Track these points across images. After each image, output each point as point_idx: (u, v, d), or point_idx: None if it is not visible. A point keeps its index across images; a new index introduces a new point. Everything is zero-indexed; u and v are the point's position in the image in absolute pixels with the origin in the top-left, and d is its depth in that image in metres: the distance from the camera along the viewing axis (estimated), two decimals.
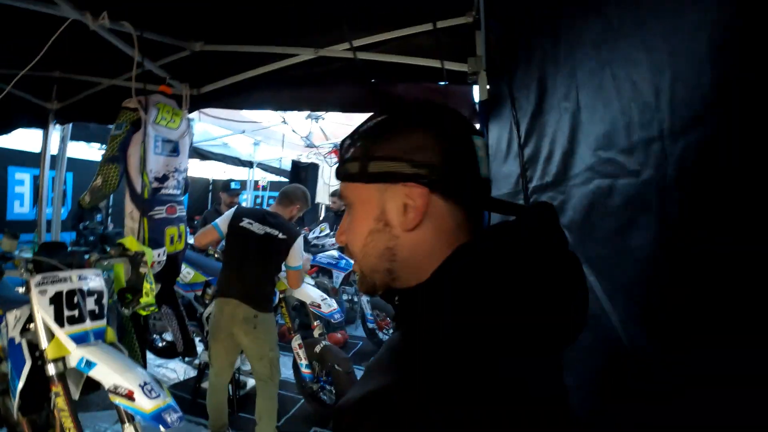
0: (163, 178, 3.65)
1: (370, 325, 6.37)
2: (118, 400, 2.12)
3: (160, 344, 5.05)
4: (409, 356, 0.75)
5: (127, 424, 2.30)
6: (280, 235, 3.68)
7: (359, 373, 3.99)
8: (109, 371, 2.16)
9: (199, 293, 4.81)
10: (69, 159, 5.99)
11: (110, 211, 8.62)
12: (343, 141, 0.93)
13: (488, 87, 2.79)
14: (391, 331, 6.25)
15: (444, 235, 0.83)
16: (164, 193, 3.67)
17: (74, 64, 4.01)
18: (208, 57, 3.64)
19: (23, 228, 8.40)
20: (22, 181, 8.83)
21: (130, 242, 2.87)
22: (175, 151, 3.77)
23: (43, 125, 5.28)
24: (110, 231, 8.32)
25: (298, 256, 3.80)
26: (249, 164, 10.43)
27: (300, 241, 3.81)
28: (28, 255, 2.60)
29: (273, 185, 12.07)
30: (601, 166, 1.40)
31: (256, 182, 12.20)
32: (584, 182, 1.51)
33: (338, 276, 6.41)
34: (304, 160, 9.77)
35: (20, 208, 8.82)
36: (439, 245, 0.82)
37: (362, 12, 3.02)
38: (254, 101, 3.99)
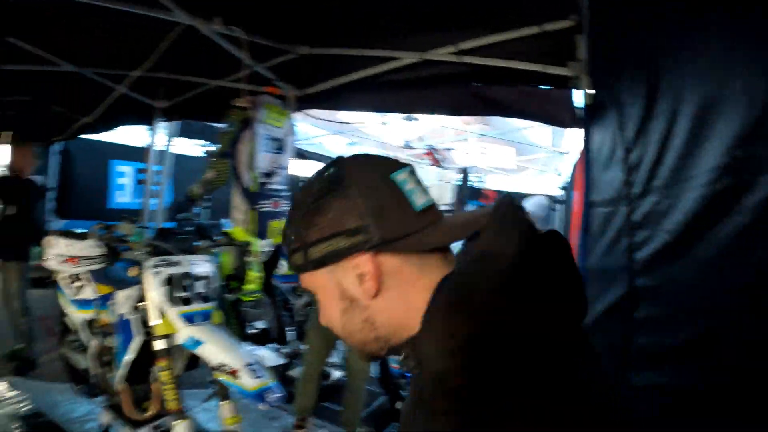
0: (270, 174, 3.88)
1: None
2: (222, 378, 2.28)
3: (250, 331, 5.28)
4: (452, 397, 0.68)
5: (224, 402, 2.49)
6: None
7: None
8: (216, 350, 2.32)
9: (294, 285, 4.97)
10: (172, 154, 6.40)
11: (207, 204, 9.08)
12: (283, 233, 0.92)
13: (590, 92, 2.72)
14: None
15: (412, 284, 0.81)
16: (270, 188, 3.91)
17: (180, 65, 4.25)
18: (313, 59, 3.78)
19: (123, 216, 9.10)
20: (123, 173, 9.56)
21: (238, 233, 3.07)
22: (280, 149, 3.98)
23: (150, 122, 5.67)
24: (206, 223, 8.82)
25: None
26: None
27: None
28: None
29: None
30: (735, 164, 1.40)
31: None
32: (707, 183, 1.50)
33: None
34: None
35: (122, 197, 9.54)
36: (413, 296, 0.80)
37: (466, 15, 3.04)
38: (357, 103, 4.10)
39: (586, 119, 2.75)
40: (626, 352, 1.96)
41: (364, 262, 0.80)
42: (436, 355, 0.72)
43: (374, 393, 4.34)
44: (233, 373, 2.25)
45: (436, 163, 8.74)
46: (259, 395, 2.23)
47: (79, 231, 2.97)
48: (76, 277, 3.31)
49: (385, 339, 0.85)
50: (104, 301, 3.06)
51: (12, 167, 5.02)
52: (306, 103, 4.11)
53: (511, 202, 0.79)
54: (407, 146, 7.76)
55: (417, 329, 0.78)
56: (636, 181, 2.04)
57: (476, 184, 11.74)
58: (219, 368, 2.28)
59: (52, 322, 5.48)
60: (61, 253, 2.85)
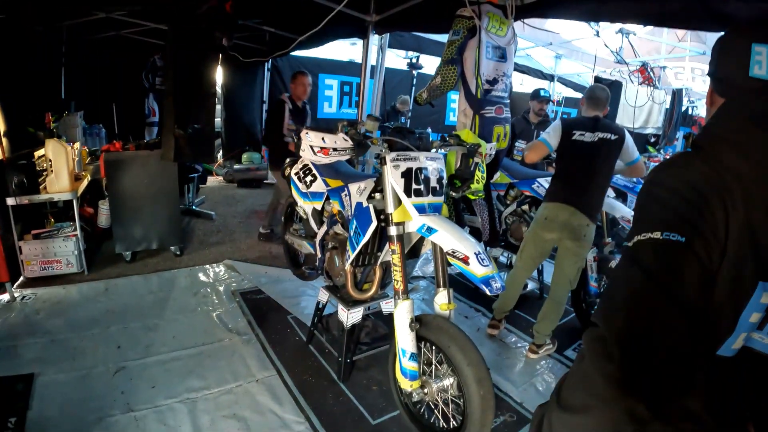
0: (493, 81, 3.95)
1: None
2: (454, 262, 2.45)
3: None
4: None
5: (442, 288, 2.67)
6: (613, 137, 3.68)
7: None
8: (450, 237, 2.49)
9: (502, 193, 5.08)
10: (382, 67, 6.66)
11: (409, 115, 9.39)
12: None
13: None
14: None
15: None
16: (494, 95, 4.00)
17: None
18: None
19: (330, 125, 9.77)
20: (330, 86, 10.20)
21: (466, 134, 3.19)
22: (503, 57, 4.02)
23: (361, 35, 5.89)
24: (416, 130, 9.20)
25: (633, 149, 3.79)
26: (550, 78, 10.28)
27: (629, 136, 3.78)
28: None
29: (567, 101, 11.83)
30: None
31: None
32: None
33: (633, 201, 6.17)
34: (606, 77, 9.34)
35: (329, 108, 10.26)
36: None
37: None
38: (578, 12, 3.94)
39: None
40: None
41: (710, 87, 1.25)
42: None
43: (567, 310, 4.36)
44: (464, 260, 2.41)
45: (649, 81, 8.14)
46: (486, 281, 2.38)
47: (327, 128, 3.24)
48: (306, 172, 3.67)
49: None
50: (333, 193, 3.38)
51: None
52: (527, 12, 4.03)
53: None
54: (619, 61, 7.30)
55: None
56: None
57: (689, 110, 10.96)
58: (453, 254, 2.45)
59: (264, 215, 6.16)
60: (316, 144, 3.14)
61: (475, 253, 2.41)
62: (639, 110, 9.36)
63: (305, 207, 3.79)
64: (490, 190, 4.76)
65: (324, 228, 3.54)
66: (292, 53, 7.65)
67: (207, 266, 5.13)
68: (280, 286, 4.74)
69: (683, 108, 10.40)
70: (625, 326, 0.99)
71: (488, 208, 4.72)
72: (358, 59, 6.38)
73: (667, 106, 10.07)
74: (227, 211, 7.36)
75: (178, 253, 5.35)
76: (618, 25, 6.69)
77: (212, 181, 9.41)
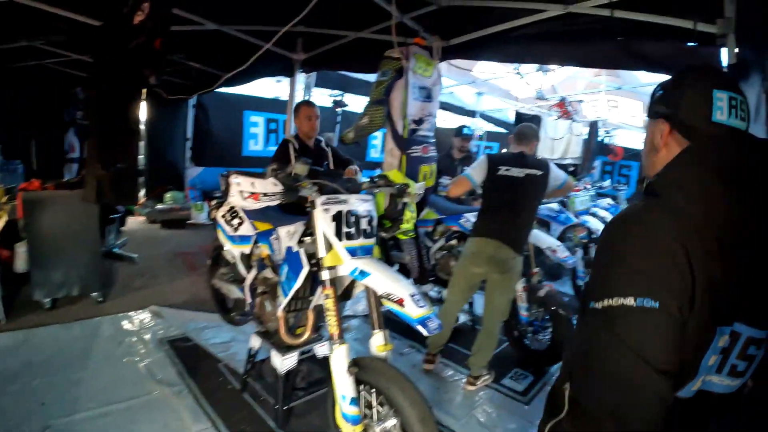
0: (420, 121, 4.05)
1: (580, 282, 6.35)
2: (389, 305, 2.44)
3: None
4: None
5: (377, 330, 2.64)
6: (539, 172, 3.79)
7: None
8: (384, 280, 2.48)
9: (430, 229, 5.13)
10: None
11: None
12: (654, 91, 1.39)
13: (736, 50, 2.73)
14: None
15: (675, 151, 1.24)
16: (420, 135, 4.08)
17: (321, 19, 4.34)
18: (456, 11, 3.84)
19: (256, 163, 9.62)
20: (256, 123, 10.16)
21: (395, 175, 3.20)
22: (429, 97, 4.12)
23: (290, 73, 5.91)
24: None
25: (557, 174, 3.91)
26: (472, 114, 10.57)
27: (552, 165, 3.90)
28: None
29: (490, 135, 12.17)
30: None
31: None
32: None
33: (556, 229, 6.37)
34: (527, 112, 9.69)
35: (255, 146, 10.21)
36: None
37: None
38: (499, 54, 4.19)
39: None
40: None
41: (665, 128, 1.28)
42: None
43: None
44: (399, 302, 2.40)
45: (567, 114, 8.53)
46: (423, 322, 2.37)
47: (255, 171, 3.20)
48: (233, 216, 3.59)
49: (652, 170, 1.29)
50: (262, 236, 3.32)
51: None
52: (449, 53, 4.16)
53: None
54: (540, 97, 7.63)
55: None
56: None
57: (605, 140, 11.40)
58: (387, 297, 2.44)
59: (191, 258, 5.97)
60: (245, 189, 3.08)
61: (410, 295, 2.41)
62: (558, 142, 9.81)
63: (233, 251, 3.71)
64: (416, 228, 4.77)
65: (253, 272, 3.46)
66: (218, 90, 7.57)
67: (132, 313, 4.91)
68: (210, 332, 4.59)
69: (599, 138, 10.86)
70: (615, 405, 1.05)
71: (416, 246, 4.76)
72: (284, 96, 6.39)
73: (585, 137, 10.49)
74: (151, 254, 7.09)
75: (100, 299, 5.10)
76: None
77: (134, 221, 9.08)
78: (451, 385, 4.06)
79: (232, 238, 3.64)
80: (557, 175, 3.90)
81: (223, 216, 3.73)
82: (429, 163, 4.20)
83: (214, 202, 3.92)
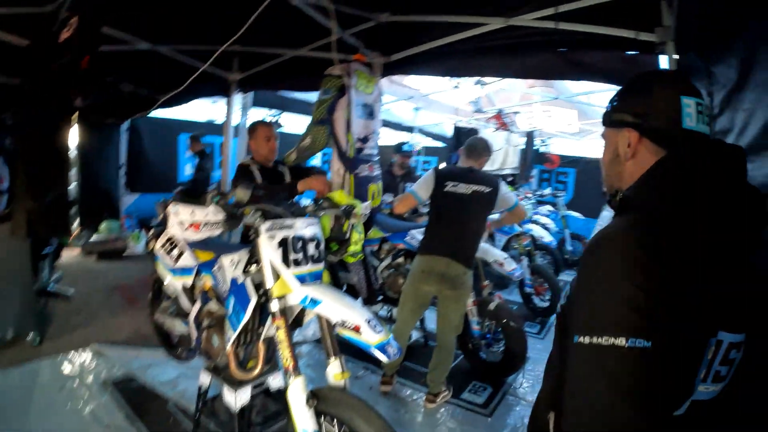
0: (365, 140, 3.98)
1: (528, 290, 6.47)
2: (345, 333, 2.34)
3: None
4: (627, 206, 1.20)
5: (333, 358, 2.53)
6: (486, 189, 3.77)
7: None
8: (337, 307, 2.38)
9: (375, 248, 5.08)
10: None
11: None
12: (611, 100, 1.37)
13: (675, 57, 2.78)
14: (547, 297, 6.43)
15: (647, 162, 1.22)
16: (366, 153, 3.99)
17: (257, 37, 4.27)
18: (397, 27, 3.81)
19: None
20: None
21: (340, 196, 3.11)
22: (372, 114, 4.04)
23: (226, 94, 5.75)
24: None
25: (508, 196, 3.90)
26: (410, 129, 10.62)
27: (503, 185, 3.89)
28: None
29: (428, 150, 12.28)
30: None
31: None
32: None
33: (501, 239, 6.48)
34: (465, 125, 9.79)
35: (191, 170, 9.81)
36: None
37: None
38: (440, 68, 4.20)
39: None
40: None
41: (633, 136, 1.25)
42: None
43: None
44: (355, 329, 2.31)
45: (504, 126, 8.69)
46: (382, 348, 2.30)
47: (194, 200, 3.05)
48: (172, 246, 3.41)
49: (618, 181, 1.31)
50: (204, 267, 3.16)
51: None
52: (392, 69, 4.12)
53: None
54: (478, 110, 7.75)
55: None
56: None
57: (541, 149, 11.62)
58: (342, 324, 2.35)
59: (131, 291, 5.71)
60: (185, 219, 2.92)
61: (366, 321, 2.33)
62: (497, 153, 9.97)
63: (174, 283, 3.51)
64: (363, 248, 4.70)
65: (197, 305, 3.27)
66: (151, 113, 7.32)
67: (72, 354, 4.62)
68: (156, 369, 4.37)
69: (535, 147, 11.06)
70: None
71: (364, 267, 4.71)
72: (219, 118, 6.21)
73: (522, 147, 10.65)
74: (88, 289, 6.73)
75: (37, 341, 4.79)
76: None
77: (68, 254, 8.65)
78: (412, 404, 4.02)
79: (172, 270, 3.45)
80: (508, 197, 3.89)
81: (162, 247, 3.54)
82: (376, 182, 4.14)
83: (151, 232, 3.72)
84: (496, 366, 4.49)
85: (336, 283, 4.51)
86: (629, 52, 3.20)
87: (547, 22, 3.26)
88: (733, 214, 1.09)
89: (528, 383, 4.56)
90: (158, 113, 8.55)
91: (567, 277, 8.12)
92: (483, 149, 3.93)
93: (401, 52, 4.07)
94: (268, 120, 8.68)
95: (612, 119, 1.33)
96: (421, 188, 3.85)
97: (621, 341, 0.98)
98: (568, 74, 3.72)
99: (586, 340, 1.03)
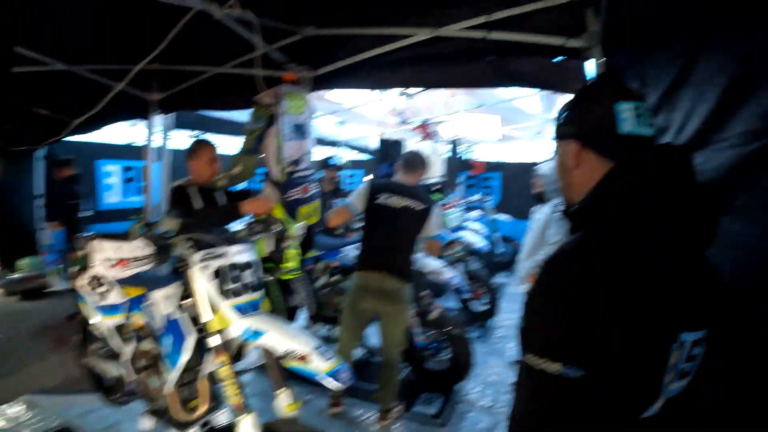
0: (297, 162, 3.87)
1: (465, 296, 6.47)
2: (294, 364, 2.24)
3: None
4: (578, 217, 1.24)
5: (282, 389, 2.43)
6: (418, 207, 3.76)
7: None
8: (281, 338, 2.29)
9: (309, 268, 5.01)
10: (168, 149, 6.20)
11: None
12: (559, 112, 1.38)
13: (601, 61, 2.84)
14: (485, 301, 6.58)
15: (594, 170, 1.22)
16: (299, 176, 3.89)
17: (176, 55, 4.09)
18: (323, 40, 3.74)
19: (115, 216, 8.93)
20: (111, 172, 9.34)
21: (278, 210, 3.04)
22: (304, 134, 3.95)
23: (146, 116, 5.49)
24: None
25: (434, 225, 3.88)
26: (334, 144, 10.56)
27: (436, 210, 3.89)
28: None
29: (354, 163, 12.28)
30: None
31: None
32: (738, 144, 1.59)
33: None
34: (389, 136, 9.81)
35: (111, 197, 9.35)
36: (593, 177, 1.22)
37: None
38: (370, 81, 4.12)
39: None
40: None
41: (575, 146, 1.26)
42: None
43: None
44: (303, 359, 2.23)
45: (429, 136, 8.78)
46: (335, 375, 2.24)
47: (118, 232, 2.86)
48: (98, 283, 3.21)
49: (569, 191, 1.32)
50: (134, 303, 2.98)
51: None
52: (319, 84, 4.04)
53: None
54: (403, 121, 7.81)
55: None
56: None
57: (465, 156, 11.75)
58: (289, 355, 2.24)
59: (59, 332, 5.37)
60: (111, 256, 2.72)
61: (314, 349, 2.25)
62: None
63: (102, 323, 3.29)
64: (306, 264, 4.72)
65: (130, 345, 3.08)
66: (68, 138, 6.92)
67: (3, 407, 4.22)
68: (94, 416, 4.05)
69: (460, 155, 11.21)
70: None
71: (309, 282, 4.73)
72: (139, 141, 5.92)
73: (447, 156, 10.76)
74: (13, 332, 6.21)
75: None
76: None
77: None
78: (364, 424, 3.95)
79: (100, 309, 3.24)
80: (434, 225, 3.89)
81: (88, 284, 3.32)
82: (310, 203, 4.03)
83: (74, 270, 3.49)
84: (443, 375, 4.47)
85: (280, 303, 4.36)
86: (556, 59, 3.23)
87: (476, 32, 3.27)
88: (684, 216, 1.11)
89: (477, 389, 4.56)
90: (75, 138, 8.15)
91: (501, 279, 8.24)
92: (419, 163, 3.95)
93: (328, 66, 3.98)
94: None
95: (558, 132, 1.35)
96: (356, 200, 3.82)
97: (557, 367, 1.01)
98: (497, 82, 3.77)
99: (531, 360, 1.06)
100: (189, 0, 2.78)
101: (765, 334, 1.45)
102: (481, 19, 3.17)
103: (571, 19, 2.94)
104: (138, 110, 5.51)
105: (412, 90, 7.08)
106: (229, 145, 10.37)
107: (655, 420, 1.11)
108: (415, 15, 3.42)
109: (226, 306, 2.42)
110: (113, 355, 3.41)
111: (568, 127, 1.31)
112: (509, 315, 6.76)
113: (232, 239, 2.74)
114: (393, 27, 3.49)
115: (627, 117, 1.18)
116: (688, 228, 1.12)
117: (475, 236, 7.57)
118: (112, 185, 9.41)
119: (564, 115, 1.34)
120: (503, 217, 9.62)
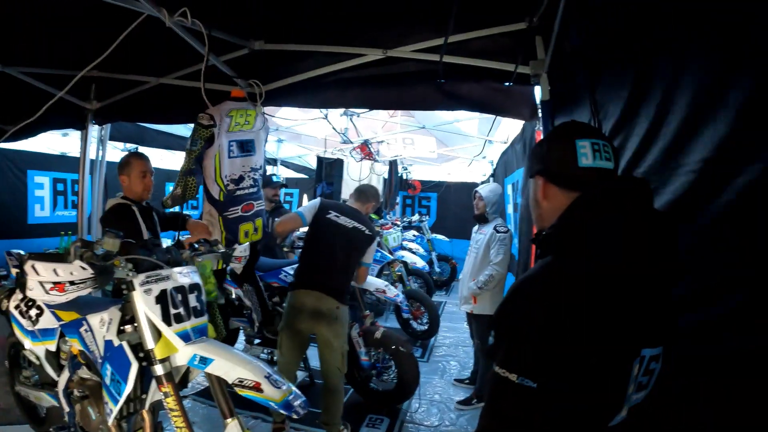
0: (239, 179, 3.80)
1: (405, 315, 6.57)
2: (245, 393, 2.17)
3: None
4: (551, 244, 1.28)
5: (230, 419, 2.33)
6: (366, 231, 3.81)
7: None
8: (231, 365, 2.21)
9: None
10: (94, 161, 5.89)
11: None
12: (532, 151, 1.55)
13: (548, 88, 2.98)
14: (425, 320, 6.62)
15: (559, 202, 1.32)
16: (240, 194, 3.82)
17: (117, 63, 3.90)
18: (271, 56, 3.70)
19: (44, 232, 8.44)
20: (41, 184, 8.76)
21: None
22: (250, 150, 3.89)
23: (82, 125, 5.23)
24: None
25: (372, 254, 3.97)
26: (274, 162, 10.43)
27: (377, 240, 3.97)
28: None
29: (290, 182, 12.18)
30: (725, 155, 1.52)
31: None
32: (696, 171, 1.62)
33: (374, 268, 6.52)
34: (328, 156, 9.82)
35: (41, 211, 8.78)
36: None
37: (431, 15, 3.16)
38: (320, 100, 4.11)
39: (544, 112, 3.08)
40: None
41: (541, 181, 1.38)
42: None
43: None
44: (256, 387, 2.17)
45: (369, 156, 8.82)
46: (287, 404, 2.18)
47: (53, 252, 2.69)
48: (31, 305, 3.02)
49: (541, 222, 1.42)
50: (68, 328, 2.81)
51: None
52: (267, 100, 3.97)
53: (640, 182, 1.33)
54: (345, 141, 7.82)
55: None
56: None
57: (404, 175, 11.93)
58: (240, 384, 2.18)
59: None
60: (46, 279, 2.52)
61: (265, 377, 2.19)
62: (361, 183, 10.14)
63: (34, 349, 3.08)
64: (254, 275, 4.64)
65: (65, 374, 2.89)
66: None
67: None
68: None
69: (399, 174, 11.37)
70: None
71: (256, 292, 4.65)
72: (72, 152, 5.61)
73: (386, 176, 10.89)
74: None
75: None
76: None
77: None
78: None
79: (31, 334, 3.03)
80: (369, 254, 3.98)
81: (17, 307, 3.12)
82: (252, 220, 3.97)
83: (5, 290, 3.27)
84: (389, 394, 4.47)
85: (221, 326, 4.23)
86: (506, 84, 3.33)
87: (429, 54, 3.33)
88: (643, 241, 1.19)
89: (423, 408, 4.56)
90: (3, 146, 7.65)
91: (439, 298, 8.30)
92: (372, 196, 4.04)
93: (276, 82, 3.92)
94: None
95: (528, 170, 1.52)
96: (308, 211, 3.83)
97: (513, 377, 1.07)
98: (446, 105, 3.82)
99: (496, 366, 1.13)
100: (139, 5, 2.67)
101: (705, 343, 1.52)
102: (436, 42, 3.24)
103: (522, 46, 3.03)
104: (73, 119, 5.21)
105: (356, 110, 7.09)
106: (165, 159, 10.11)
107: (620, 429, 1.18)
108: (367, 34, 3.45)
109: (171, 332, 2.31)
110: (46, 384, 3.22)
111: (535, 165, 1.44)
112: (449, 334, 6.85)
113: (176, 261, 2.63)
114: (344, 46, 3.50)
115: (586, 152, 1.31)
116: (646, 252, 1.19)
117: (414, 256, 7.66)
118: (42, 198, 8.72)
119: (533, 154, 1.49)
120: (439, 236, 9.75)
